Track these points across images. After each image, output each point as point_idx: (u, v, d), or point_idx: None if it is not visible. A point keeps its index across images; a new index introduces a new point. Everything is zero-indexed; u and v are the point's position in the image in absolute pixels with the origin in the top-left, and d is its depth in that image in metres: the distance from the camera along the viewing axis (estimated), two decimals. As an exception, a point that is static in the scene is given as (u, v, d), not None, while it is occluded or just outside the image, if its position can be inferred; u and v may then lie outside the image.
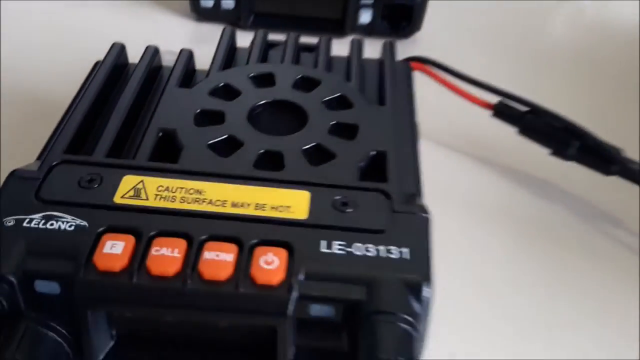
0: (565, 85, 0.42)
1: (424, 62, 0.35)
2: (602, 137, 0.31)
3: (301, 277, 0.21)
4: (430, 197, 0.28)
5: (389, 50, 0.32)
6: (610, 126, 0.35)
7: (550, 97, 0.36)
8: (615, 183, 0.31)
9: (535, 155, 0.32)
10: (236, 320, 0.21)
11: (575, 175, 0.32)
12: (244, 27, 0.44)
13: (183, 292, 0.20)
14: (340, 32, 0.44)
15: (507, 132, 0.33)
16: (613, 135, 0.32)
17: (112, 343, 0.22)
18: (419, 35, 0.45)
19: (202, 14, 0.44)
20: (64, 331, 0.21)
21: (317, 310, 0.21)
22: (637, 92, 0.41)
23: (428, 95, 0.34)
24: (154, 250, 0.21)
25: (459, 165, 0.34)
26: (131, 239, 0.21)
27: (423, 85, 0.34)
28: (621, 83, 0.42)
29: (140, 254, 0.21)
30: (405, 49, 0.42)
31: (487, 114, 0.34)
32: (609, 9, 0.50)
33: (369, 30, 0.44)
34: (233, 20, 0.44)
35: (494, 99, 0.33)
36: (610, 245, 0.31)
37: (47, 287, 0.20)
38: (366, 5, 0.43)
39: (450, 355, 0.26)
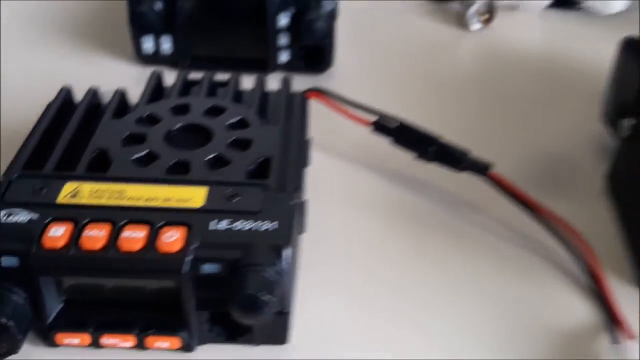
0: (454, 106, 0.50)
1: (319, 91, 0.43)
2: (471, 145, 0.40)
3: (195, 246, 0.29)
4: (324, 193, 0.39)
5: (285, 84, 0.41)
6: (495, 136, 0.46)
7: (441, 116, 0.46)
8: (468, 177, 0.40)
9: (406, 159, 0.41)
10: (148, 280, 0.30)
11: (437, 172, 0.41)
12: (183, 69, 0.52)
13: (106, 260, 0.29)
14: (265, 70, 0.52)
15: (384, 143, 0.42)
16: (498, 145, 0.43)
17: (61, 306, 0.31)
18: (332, 70, 0.54)
19: (145, 59, 0.52)
20: (24, 296, 0.30)
21: (207, 268, 0.29)
22: (517, 110, 0.50)
23: (326, 117, 0.43)
24: (86, 233, 0.29)
25: (348, 169, 0.43)
26: (70, 225, 0.29)
27: (322, 110, 0.43)
28: (506, 103, 0.51)
29: (76, 235, 0.29)
30: (319, 82, 0.51)
31: (368, 129, 0.42)
32: (502, 40, 0.59)
33: (289, 68, 0.52)
34: (173, 63, 0.52)
35: (373, 117, 0.42)
36: (468, 226, 0.40)
37: (9, 261, 0.29)
38: (284, 47, 0.51)
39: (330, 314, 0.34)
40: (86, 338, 0.30)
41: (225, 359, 0.32)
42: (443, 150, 0.40)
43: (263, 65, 0.52)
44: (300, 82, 0.46)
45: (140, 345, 0.30)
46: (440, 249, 0.38)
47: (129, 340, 0.30)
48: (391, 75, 0.54)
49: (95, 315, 0.31)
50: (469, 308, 0.35)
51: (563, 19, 0.60)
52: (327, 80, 0.53)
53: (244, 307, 0.28)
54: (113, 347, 0.31)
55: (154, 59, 0.52)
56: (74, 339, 0.30)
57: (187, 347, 0.31)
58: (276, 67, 0.52)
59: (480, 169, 0.39)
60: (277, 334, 0.31)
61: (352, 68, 0.54)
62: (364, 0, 0.63)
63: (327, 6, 0.49)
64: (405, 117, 0.43)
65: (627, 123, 0.39)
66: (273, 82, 0.44)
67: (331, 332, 0.33)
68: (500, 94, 0.51)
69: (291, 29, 0.50)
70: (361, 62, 0.55)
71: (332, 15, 0.49)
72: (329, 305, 0.34)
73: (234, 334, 0.31)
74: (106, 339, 0.30)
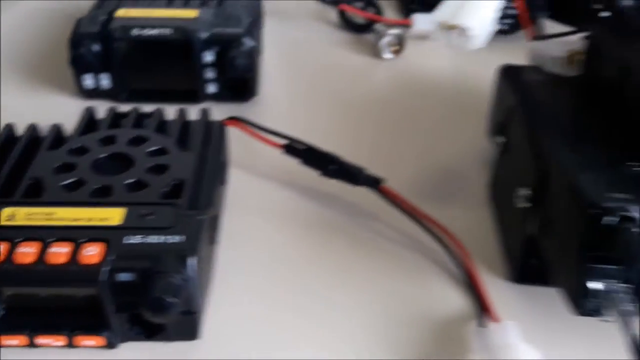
0: (365, 127, 0.55)
1: (237, 119, 0.48)
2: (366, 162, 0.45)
3: (112, 258, 0.33)
4: (243, 207, 0.44)
5: (204, 114, 0.46)
6: (400, 153, 0.51)
7: (353, 136, 0.52)
8: (365, 191, 0.45)
9: (313, 176, 0.46)
10: (74, 289, 0.34)
11: (339, 187, 0.45)
12: (121, 101, 0.56)
13: (35, 273, 0.33)
14: (196, 100, 0.57)
15: (295, 163, 0.47)
16: (402, 161, 0.49)
17: (2, 313, 0.35)
18: (258, 98, 0.58)
19: (86, 94, 0.56)
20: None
21: (122, 277, 0.33)
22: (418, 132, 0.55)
23: (246, 142, 0.48)
24: (19, 250, 0.33)
25: (264, 185, 0.48)
26: (6, 244, 0.34)
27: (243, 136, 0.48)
28: (412, 123, 0.56)
29: (10, 252, 0.33)
30: (245, 110, 0.55)
31: (280, 152, 0.47)
32: (411, 67, 0.64)
33: (217, 98, 0.57)
34: (112, 96, 0.56)
35: (283, 141, 0.47)
36: (365, 232, 0.44)
37: (-46, 276, 0.33)
38: (211, 80, 0.56)
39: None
40: (23, 339, 0.34)
41: (144, 356, 0.36)
42: (341, 168, 0.44)
43: (194, 96, 0.56)
44: (228, 111, 0.51)
45: (70, 344, 0.34)
46: (342, 253, 0.43)
47: (60, 340, 0.34)
48: (312, 101, 0.58)
49: (31, 320, 0.35)
50: (364, 304, 0.39)
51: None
52: (253, 107, 0.57)
53: (152, 308, 0.32)
54: (47, 346, 0.35)
55: (95, 93, 0.56)
56: (13, 340, 0.34)
57: (110, 345, 0.35)
58: (205, 97, 0.56)
59: (373, 183, 0.43)
60: (187, 331, 0.35)
61: (277, 95, 0.59)
62: (289, 33, 0.68)
63: (247, 44, 0.53)
64: (322, 139, 0.47)
65: (499, 140, 0.44)
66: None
67: (241, 329, 0.37)
68: (407, 116, 0.56)
69: (216, 64, 0.54)
70: (286, 89, 0.60)
71: (252, 52, 0.53)
72: (241, 306, 0.39)
73: (151, 332, 0.35)
74: (41, 340, 0.34)
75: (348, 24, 0.69)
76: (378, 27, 0.65)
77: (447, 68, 0.63)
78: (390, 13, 0.70)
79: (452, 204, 0.47)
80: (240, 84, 0.56)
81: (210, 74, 0.55)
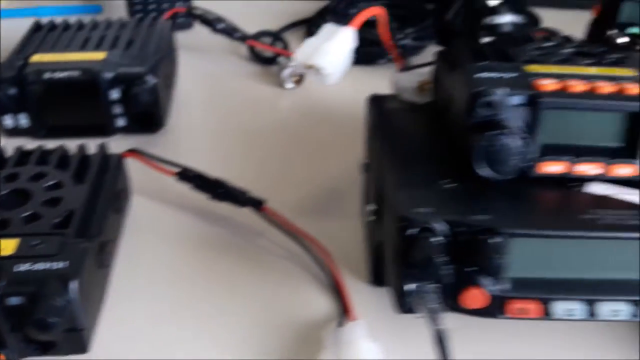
0: (268, 152, 0.59)
1: (135, 151, 0.51)
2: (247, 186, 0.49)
3: (3, 284, 0.36)
4: (143, 229, 0.47)
5: (101, 148, 0.49)
6: (294, 175, 0.54)
7: (254, 160, 0.55)
8: (251, 211, 0.48)
9: (204, 199, 0.49)
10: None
11: (228, 208, 0.49)
12: (40, 138, 0.59)
13: None
14: (108, 134, 0.60)
15: (187, 189, 0.50)
16: (295, 181, 0.52)
17: None
18: (167, 129, 0.61)
19: (8, 133, 0.59)
20: None
21: (12, 300, 0.36)
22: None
23: (150, 173, 0.51)
24: None
25: (163, 209, 0.51)
26: None
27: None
28: (308, 147, 0.60)
29: None
30: (154, 140, 0.59)
31: (174, 179, 0.50)
32: (311, 96, 0.68)
33: (127, 130, 0.60)
34: (32, 134, 0.59)
35: (177, 169, 0.50)
36: (251, 247, 0.48)
37: None
38: (119, 115, 0.59)
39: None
40: None
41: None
42: (228, 191, 0.48)
43: (106, 130, 0.59)
44: (137, 142, 0.55)
45: (-30, 363, 0.37)
46: (229, 269, 0.46)
47: (-39, 360, 0.37)
48: (218, 129, 0.62)
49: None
50: (245, 313, 0.43)
51: (365, 74, 0.68)
52: (163, 137, 0.60)
53: (36, 327, 0.35)
54: (-50, 366, 0.38)
55: (15, 132, 0.59)
56: None
57: (9, 361, 0.38)
58: (116, 130, 0.59)
59: (255, 204, 0.47)
60: (76, 346, 0.38)
61: (186, 125, 0.62)
62: (203, 66, 0.71)
63: (150, 81, 0.56)
64: (225, 164, 0.52)
65: (365, 161, 0.48)
66: (115, 144, 0.52)
67: (132, 342, 0.41)
68: (302, 140, 0.60)
69: (122, 100, 0.57)
70: (195, 119, 0.63)
71: (154, 89, 0.57)
72: (133, 321, 0.42)
73: (45, 348, 0.38)
74: (-56, 360, 0.37)
75: (257, 57, 0.72)
76: (281, 59, 0.69)
77: (342, 96, 0.67)
78: (296, 46, 0.73)
79: (332, 218, 0.50)
80: (146, 117, 0.59)
81: (118, 109, 0.58)
